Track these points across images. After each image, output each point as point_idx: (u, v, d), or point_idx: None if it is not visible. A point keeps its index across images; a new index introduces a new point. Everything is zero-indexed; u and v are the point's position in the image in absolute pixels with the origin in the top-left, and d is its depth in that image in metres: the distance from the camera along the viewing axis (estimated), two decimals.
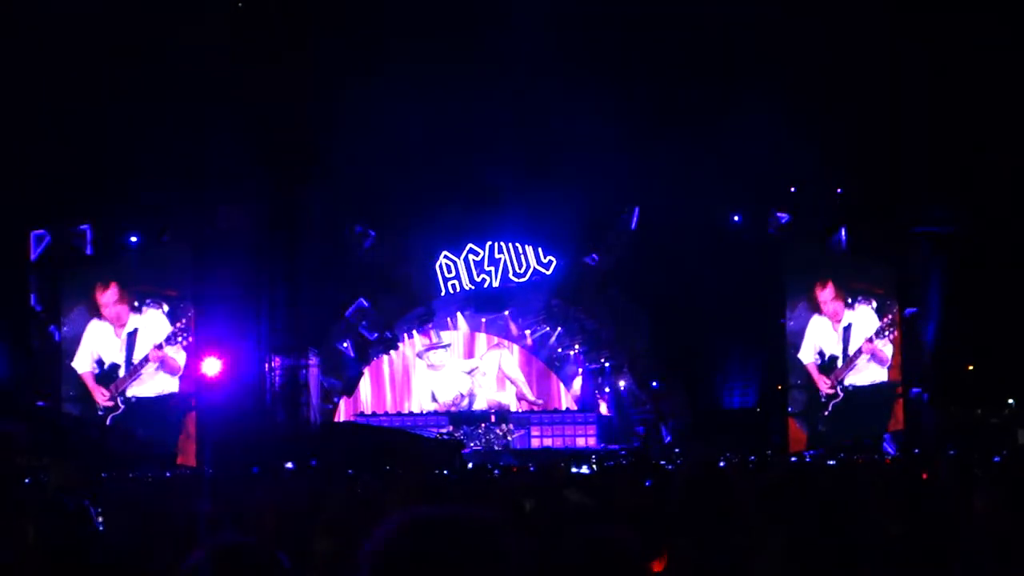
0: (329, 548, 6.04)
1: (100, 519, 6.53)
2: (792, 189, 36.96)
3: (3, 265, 33.01)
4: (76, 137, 30.71)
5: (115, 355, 34.51)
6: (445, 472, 22.00)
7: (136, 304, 34.55)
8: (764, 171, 34.69)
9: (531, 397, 43.06)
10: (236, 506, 7.90)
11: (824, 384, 37.69)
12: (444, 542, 2.49)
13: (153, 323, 34.67)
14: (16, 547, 5.34)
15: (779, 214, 37.95)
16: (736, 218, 38.00)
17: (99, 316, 34.52)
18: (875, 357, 38.04)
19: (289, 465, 25.99)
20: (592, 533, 4.06)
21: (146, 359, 34.41)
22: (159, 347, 34.40)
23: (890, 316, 38.04)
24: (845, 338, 38.08)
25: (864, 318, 38.25)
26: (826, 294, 37.94)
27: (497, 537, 2.54)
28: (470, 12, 33.20)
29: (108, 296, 34.46)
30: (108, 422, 34.04)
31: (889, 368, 37.93)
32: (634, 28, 33.63)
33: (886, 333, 38.06)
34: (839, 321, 38.05)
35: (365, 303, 38.63)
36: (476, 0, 33.68)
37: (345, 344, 38.62)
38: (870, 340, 37.97)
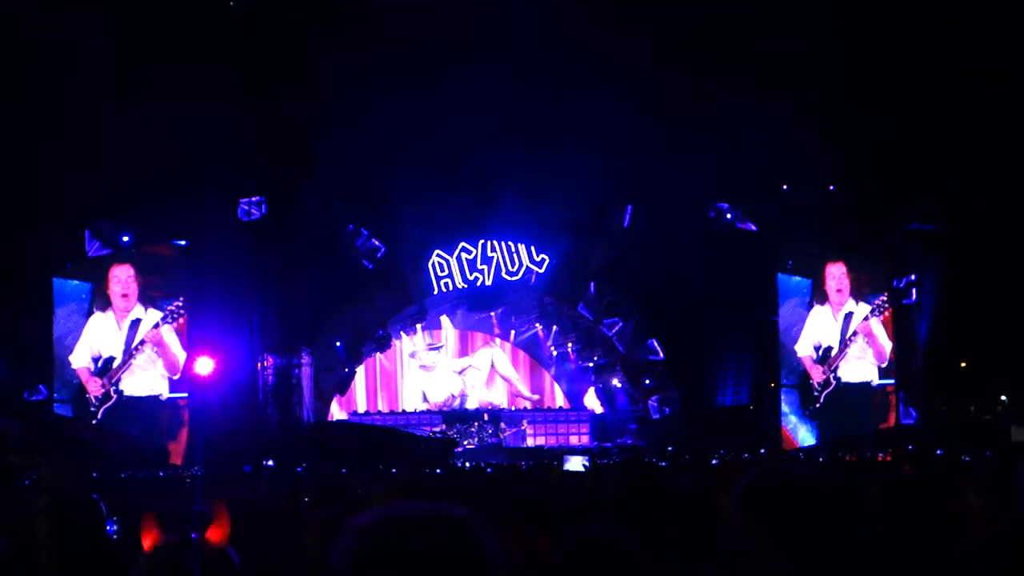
0: (319, 547, 6.02)
1: (114, 524, 6.51)
2: (784, 187, 36.95)
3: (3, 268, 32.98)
4: (69, 137, 30.65)
5: (114, 348, 34.33)
6: (438, 471, 22.02)
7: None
8: (757, 169, 34.70)
9: (526, 393, 43.11)
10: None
11: (817, 372, 37.60)
12: (416, 538, 2.47)
13: (153, 318, 34.54)
14: (21, 543, 5.32)
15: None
16: (728, 215, 38.01)
17: (104, 306, 34.33)
18: (871, 341, 37.98)
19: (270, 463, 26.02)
20: (587, 533, 4.04)
21: (143, 342, 34.19)
22: (156, 326, 34.17)
23: (884, 296, 37.94)
24: (844, 327, 38.04)
25: (862, 312, 38.31)
26: (836, 270, 37.93)
27: (471, 533, 2.52)
28: (463, 11, 33.18)
29: (123, 272, 34.29)
30: (100, 415, 33.90)
31: (882, 365, 37.99)
32: (626, 28, 33.62)
33: (879, 310, 37.98)
34: (842, 306, 38.04)
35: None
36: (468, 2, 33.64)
37: (338, 343, 38.54)
38: (866, 319, 37.93)
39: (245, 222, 34.91)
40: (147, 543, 3.60)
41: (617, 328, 40.40)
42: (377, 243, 38.25)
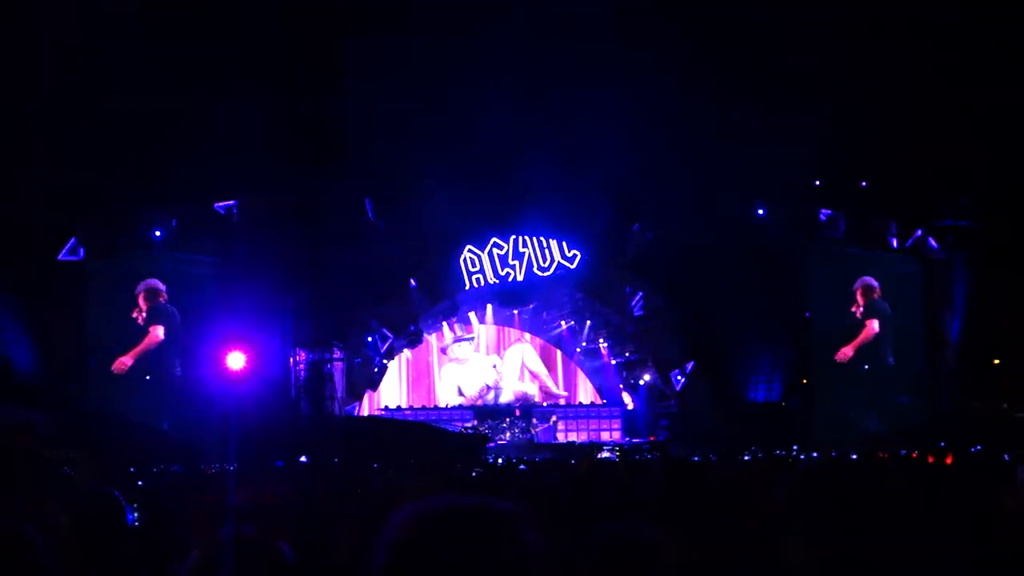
0: (351, 544, 6.04)
1: (134, 513, 6.55)
2: (816, 183, 36.80)
3: (29, 260, 33.05)
4: (100, 131, 30.74)
5: None
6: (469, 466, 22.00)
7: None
8: (788, 165, 34.56)
9: (556, 390, 43.13)
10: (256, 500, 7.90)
11: None
12: (460, 532, 2.47)
13: None
14: (49, 536, 5.35)
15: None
16: (761, 212, 37.84)
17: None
18: None
19: (303, 459, 26.04)
20: (620, 531, 4.04)
21: None
22: None
23: None
24: None
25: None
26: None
27: (515, 528, 2.52)
28: (500, 6, 33.11)
29: None
30: None
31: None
32: (662, 24, 33.49)
33: None
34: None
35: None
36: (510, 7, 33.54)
37: (370, 338, 38.61)
38: None
39: (275, 217, 34.88)
40: (199, 537, 3.62)
41: (648, 325, 40.40)
42: (408, 238, 38.23)
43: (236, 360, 30.44)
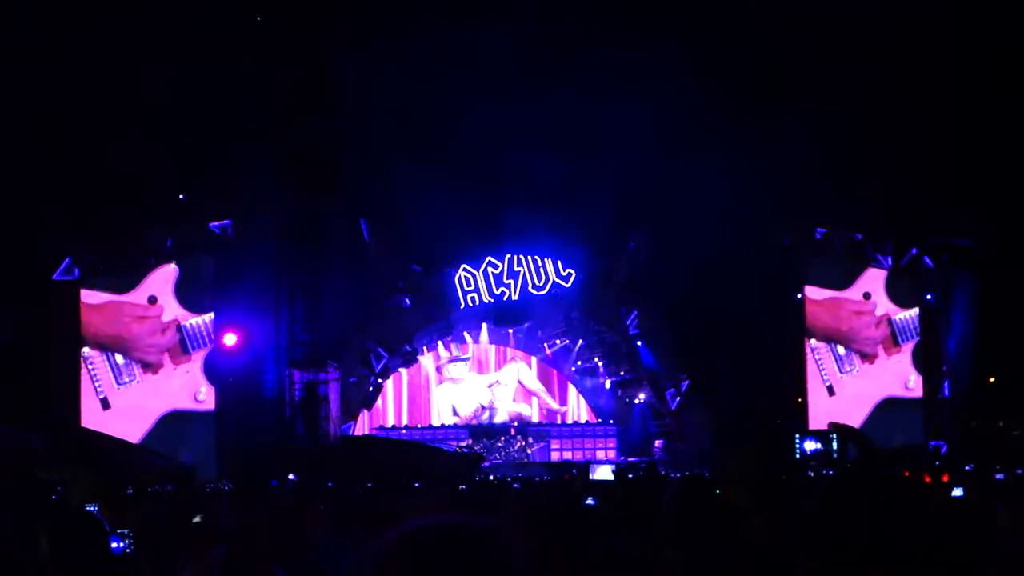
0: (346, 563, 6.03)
1: (122, 538, 6.51)
2: (818, 203, 36.77)
3: (25, 278, 32.98)
4: (100, 149, 30.72)
5: None
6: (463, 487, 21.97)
7: None
8: (788, 185, 34.58)
9: (554, 405, 43.05)
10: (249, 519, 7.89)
11: None
12: (449, 549, 2.48)
13: None
14: (31, 559, 5.34)
15: (814, 229, 37.82)
16: (760, 231, 37.79)
17: None
18: None
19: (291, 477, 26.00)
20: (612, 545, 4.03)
21: None
22: None
23: None
24: None
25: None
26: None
27: (502, 544, 2.53)
28: (498, 24, 33.10)
29: None
30: None
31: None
32: (663, 41, 33.51)
33: None
34: None
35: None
36: (506, 14, 33.50)
37: (365, 357, 38.54)
38: None
39: (271, 236, 34.86)
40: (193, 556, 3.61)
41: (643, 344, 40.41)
42: (404, 258, 38.23)
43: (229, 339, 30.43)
